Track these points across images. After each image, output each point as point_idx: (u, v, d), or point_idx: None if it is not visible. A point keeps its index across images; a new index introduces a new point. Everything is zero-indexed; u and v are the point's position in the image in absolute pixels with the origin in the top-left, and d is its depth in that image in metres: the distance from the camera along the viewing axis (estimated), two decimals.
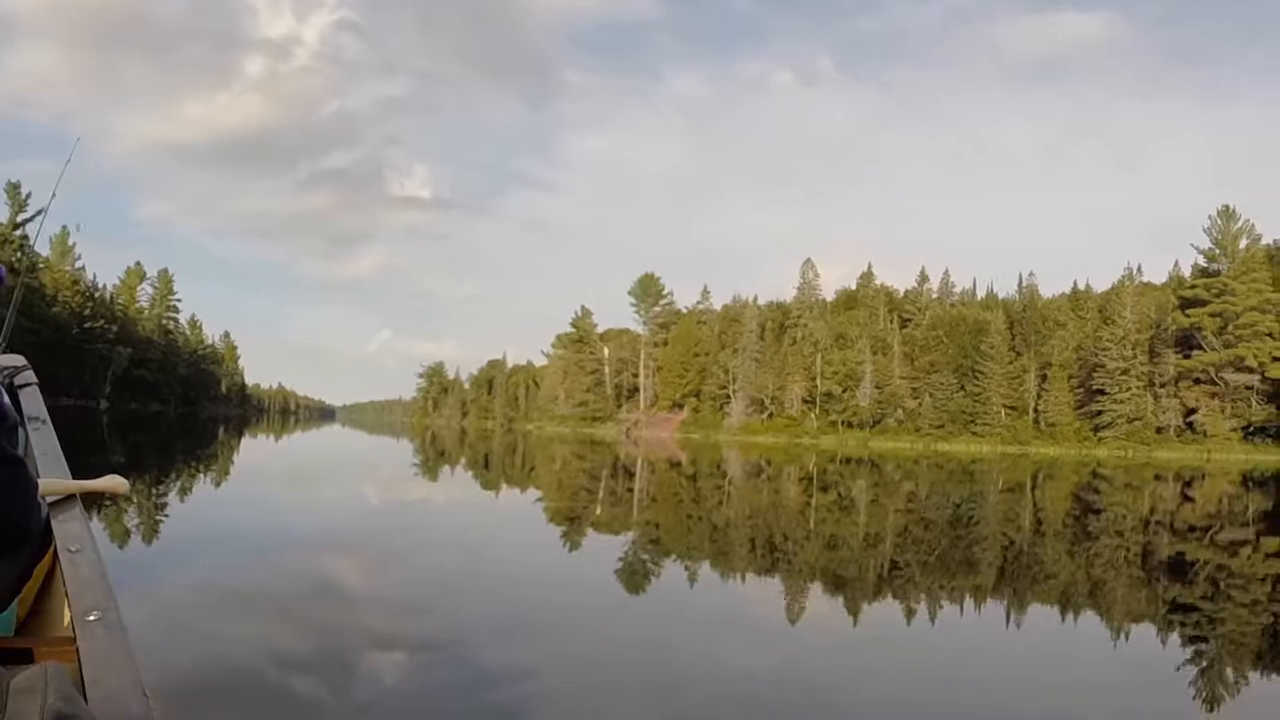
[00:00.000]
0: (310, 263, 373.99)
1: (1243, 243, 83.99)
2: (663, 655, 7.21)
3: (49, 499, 2.42)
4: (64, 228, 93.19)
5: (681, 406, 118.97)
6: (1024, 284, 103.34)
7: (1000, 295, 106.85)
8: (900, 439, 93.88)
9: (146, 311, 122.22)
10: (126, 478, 2.98)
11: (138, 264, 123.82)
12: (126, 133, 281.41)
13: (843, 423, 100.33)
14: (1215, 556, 14.87)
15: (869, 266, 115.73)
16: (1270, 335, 78.22)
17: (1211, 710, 6.28)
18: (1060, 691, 6.60)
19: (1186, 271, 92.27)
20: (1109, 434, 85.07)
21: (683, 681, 6.42)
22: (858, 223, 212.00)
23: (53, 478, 2.64)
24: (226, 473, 24.94)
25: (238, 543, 11.57)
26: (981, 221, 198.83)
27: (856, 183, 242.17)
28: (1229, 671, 7.28)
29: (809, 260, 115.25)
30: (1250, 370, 78.39)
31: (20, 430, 2.77)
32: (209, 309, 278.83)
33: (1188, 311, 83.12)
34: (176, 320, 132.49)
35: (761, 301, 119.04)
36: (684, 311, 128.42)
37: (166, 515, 13.52)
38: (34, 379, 3.57)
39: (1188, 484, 37.63)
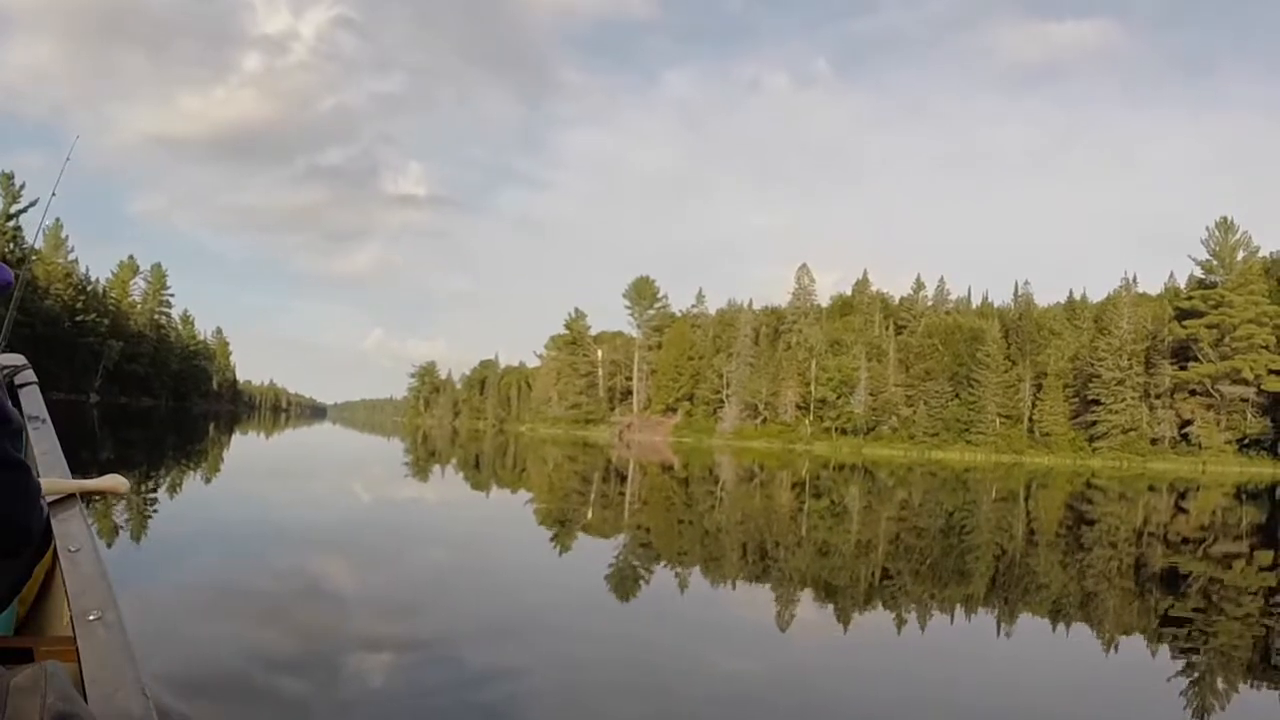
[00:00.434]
0: (304, 259, 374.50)
1: (1240, 255, 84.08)
2: (651, 658, 7.16)
3: (49, 499, 2.38)
4: (58, 220, 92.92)
5: (675, 410, 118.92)
6: (1019, 292, 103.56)
7: (995, 303, 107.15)
8: (894, 446, 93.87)
9: (139, 306, 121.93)
10: (121, 474, 2.93)
11: (131, 258, 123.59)
12: (122, 127, 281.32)
13: (837, 429, 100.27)
14: (1208, 569, 14.79)
15: (864, 273, 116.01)
16: (1266, 348, 78.34)
17: (1202, 715, 6.30)
18: (1051, 702, 6.54)
19: (1182, 282, 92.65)
20: (1104, 444, 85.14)
21: (671, 685, 6.38)
22: (852, 227, 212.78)
23: (53, 477, 2.61)
24: (218, 470, 24.81)
25: (229, 543, 11.49)
26: (976, 228, 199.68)
27: (851, 186, 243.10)
28: (1220, 683, 7.24)
29: (804, 265, 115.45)
30: (1246, 383, 78.50)
31: (24, 432, 2.75)
32: (201, 304, 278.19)
33: (1184, 323, 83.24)
34: (169, 315, 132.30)
35: (756, 306, 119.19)
36: (678, 315, 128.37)
37: (159, 514, 13.36)
38: (34, 378, 3.56)
39: (1182, 496, 37.56)
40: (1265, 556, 17.33)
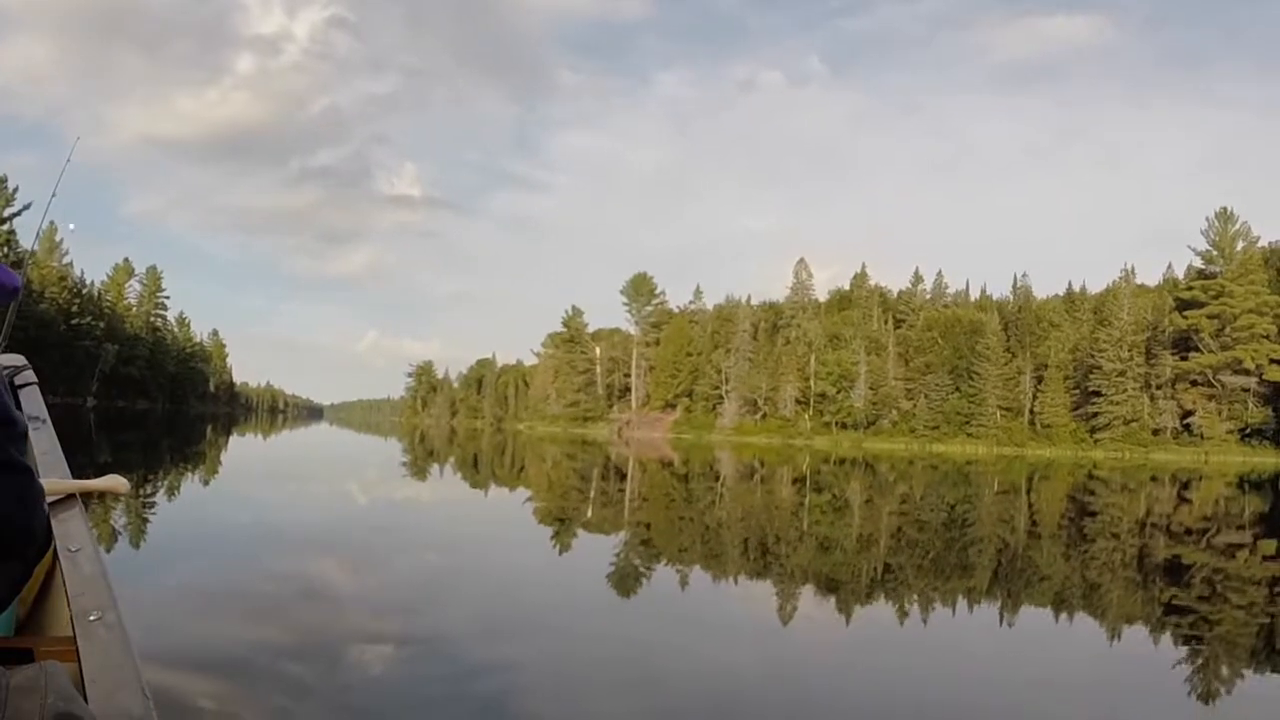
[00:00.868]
0: (299, 260, 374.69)
1: (1239, 245, 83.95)
2: (652, 654, 7.13)
3: (49, 499, 2.35)
4: (52, 223, 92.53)
5: (674, 407, 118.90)
6: (1018, 285, 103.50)
7: (994, 296, 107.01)
8: (895, 440, 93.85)
9: (134, 308, 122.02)
10: (118, 474, 2.93)
11: (126, 260, 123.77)
12: (115, 127, 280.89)
13: (837, 424, 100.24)
14: (1211, 559, 14.73)
15: (862, 267, 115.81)
16: (1267, 337, 78.25)
17: (1207, 704, 6.24)
18: (1056, 693, 6.46)
19: (1180, 273, 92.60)
20: (1105, 436, 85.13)
21: (671, 680, 6.36)
22: (848, 223, 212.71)
23: (53, 478, 2.61)
24: (216, 472, 24.74)
25: (227, 544, 11.44)
26: (973, 222, 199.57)
27: (846, 183, 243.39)
28: (1225, 671, 7.22)
29: (802, 260, 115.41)
30: (1247, 373, 78.44)
31: (29, 435, 2.67)
32: (197, 306, 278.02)
33: (1185, 313, 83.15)
34: (164, 317, 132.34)
35: (754, 302, 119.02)
36: (676, 311, 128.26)
37: (157, 516, 13.31)
38: (34, 379, 3.54)
39: (1184, 486, 37.48)
40: (1269, 546, 17.25)
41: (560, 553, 12.91)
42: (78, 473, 2.77)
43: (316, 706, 5.29)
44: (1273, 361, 77.78)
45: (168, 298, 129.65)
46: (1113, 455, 78.20)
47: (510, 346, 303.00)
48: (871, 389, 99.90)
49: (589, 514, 18.48)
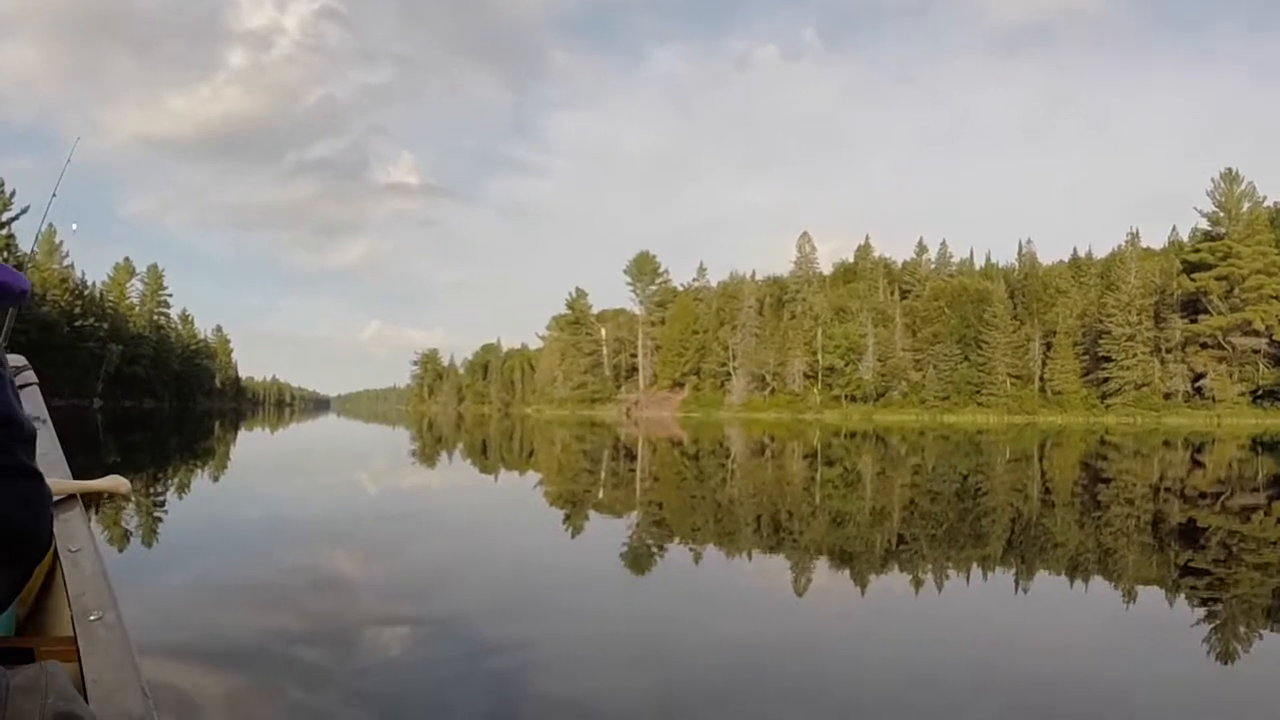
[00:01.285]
0: (299, 254, 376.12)
1: (1245, 206, 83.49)
2: (667, 630, 7.14)
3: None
4: (52, 226, 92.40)
5: (682, 385, 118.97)
6: (1023, 252, 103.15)
7: (999, 264, 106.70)
8: (905, 411, 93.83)
9: (137, 308, 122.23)
10: (124, 476, 2.93)
11: (127, 260, 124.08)
12: (110, 129, 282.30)
13: (846, 397, 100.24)
14: (1226, 522, 14.66)
15: (866, 239, 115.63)
16: (1277, 298, 77.87)
17: (1225, 664, 6.26)
18: (1073, 657, 6.43)
19: (1185, 236, 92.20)
20: (1116, 401, 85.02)
21: (687, 654, 6.39)
22: (849, 196, 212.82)
23: (53, 478, 2.49)
24: (224, 467, 24.75)
25: (239, 538, 11.44)
26: (974, 191, 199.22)
27: (846, 156, 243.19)
28: (1242, 630, 7.22)
29: (805, 234, 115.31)
30: (1258, 334, 78.19)
31: (37, 439, 2.64)
32: (198, 303, 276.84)
33: (1193, 276, 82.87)
34: (168, 315, 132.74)
35: (758, 277, 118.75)
36: (680, 289, 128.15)
37: (167, 512, 13.33)
38: (34, 379, 3.54)
39: (1197, 450, 37.35)
40: None
41: (573, 534, 12.89)
42: (85, 474, 2.78)
43: (326, 699, 5.24)
44: None
45: (170, 296, 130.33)
46: (1124, 420, 78.11)
47: (514, 331, 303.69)
48: (880, 361, 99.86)
49: (600, 495, 18.47)
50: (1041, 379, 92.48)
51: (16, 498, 1.87)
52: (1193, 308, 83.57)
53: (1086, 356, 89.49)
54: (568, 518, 14.78)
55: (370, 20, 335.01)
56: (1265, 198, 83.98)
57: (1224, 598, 8.57)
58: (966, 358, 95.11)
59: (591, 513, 15.51)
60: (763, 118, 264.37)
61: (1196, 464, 29.43)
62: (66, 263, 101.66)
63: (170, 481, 18.41)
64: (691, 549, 11.39)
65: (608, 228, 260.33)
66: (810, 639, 7.11)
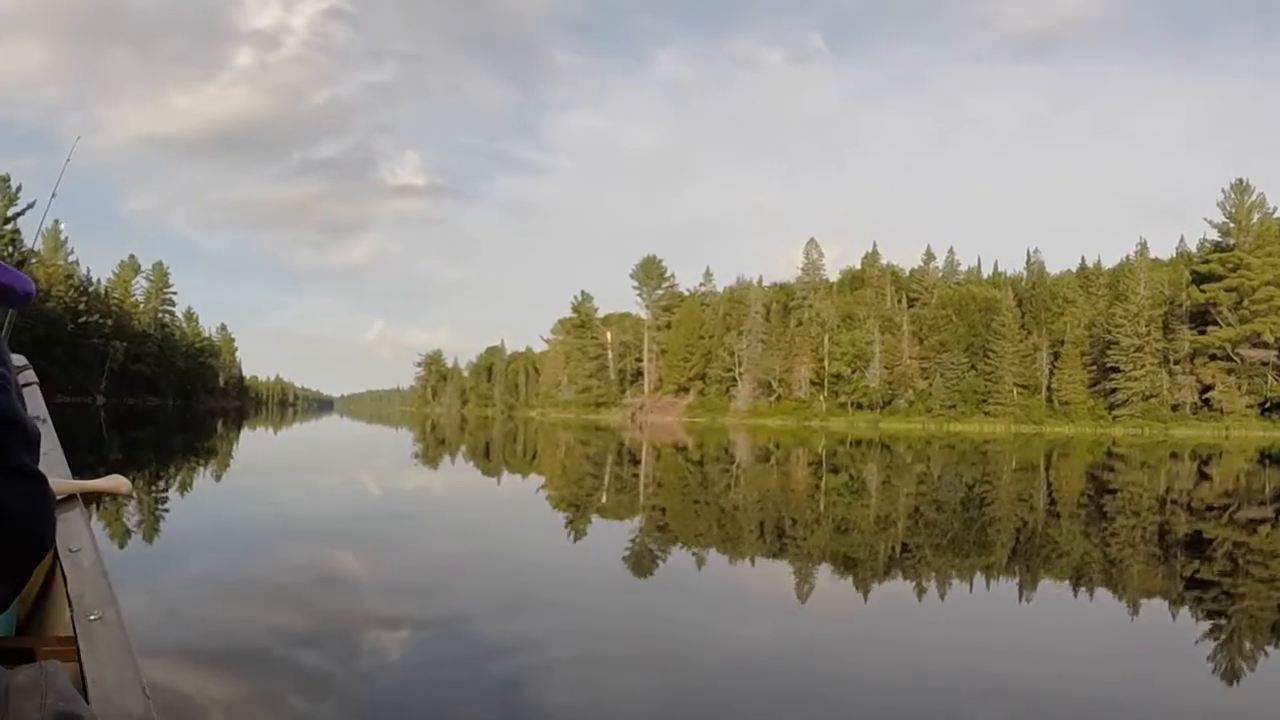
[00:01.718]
0: (304, 253, 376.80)
1: (1255, 217, 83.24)
2: (670, 636, 7.10)
3: None
4: (56, 222, 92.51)
5: (687, 390, 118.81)
6: (1031, 260, 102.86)
7: (1007, 272, 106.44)
8: (911, 420, 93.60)
9: (142, 305, 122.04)
10: (127, 474, 3.00)
11: (132, 257, 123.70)
12: (115, 126, 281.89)
13: (852, 404, 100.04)
14: (1233, 534, 14.60)
15: (874, 246, 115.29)
16: None
17: (1231, 680, 6.18)
18: (1077, 668, 6.37)
19: (1193, 246, 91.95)
20: (1124, 412, 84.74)
21: (691, 661, 6.36)
22: (855, 200, 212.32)
23: (53, 478, 2.45)
24: (228, 466, 24.73)
25: (242, 537, 11.42)
26: (983, 198, 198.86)
27: (851, 160, 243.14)
28: (1248, 645, 7.13)
29: (813, 240, 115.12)
30: (1267, 346, 77.88)
31: (41, 442, 2.62)
32: (202, 302, 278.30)
33: (1203, 287, 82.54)
34: (173, 313, 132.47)
35: (766, 283, 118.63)
36: (687, 294, 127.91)
37: (171, 511, 13.28)
38: (35, 379, 3.53)
39: (1205, 462, 37.19)
40: None
41: (575, 539, 12.83)
42: (87, 471, 2.80)
43: (327, 699, 5.24)
44: None
45: (175, 293, 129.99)
46: (1132, 432, 77.86)
47: (518, 333, 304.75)
48: (886, 368, 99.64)
49: (603, 499, 18.41)
50: (1049, 389, 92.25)
51: (20, 500, 1.86)
52: (1201, 319, 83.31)
53: (1094, 367, 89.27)
54: (570, 522, 14.72)
55: (375, 19, 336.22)
56: (1275, 209, 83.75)
57: (1230, 610, 8.51)
58: (973, 366, 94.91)
59: (594, 517, 15.46)
60: (768, 120, 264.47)
61: (1204, 476, 29.29)
62: (71, 259, 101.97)
63: (173, 480, 18.39)
64: (695, 555, 11.34)
65: (612, 228, 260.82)
66: (813, 647, 7.05)
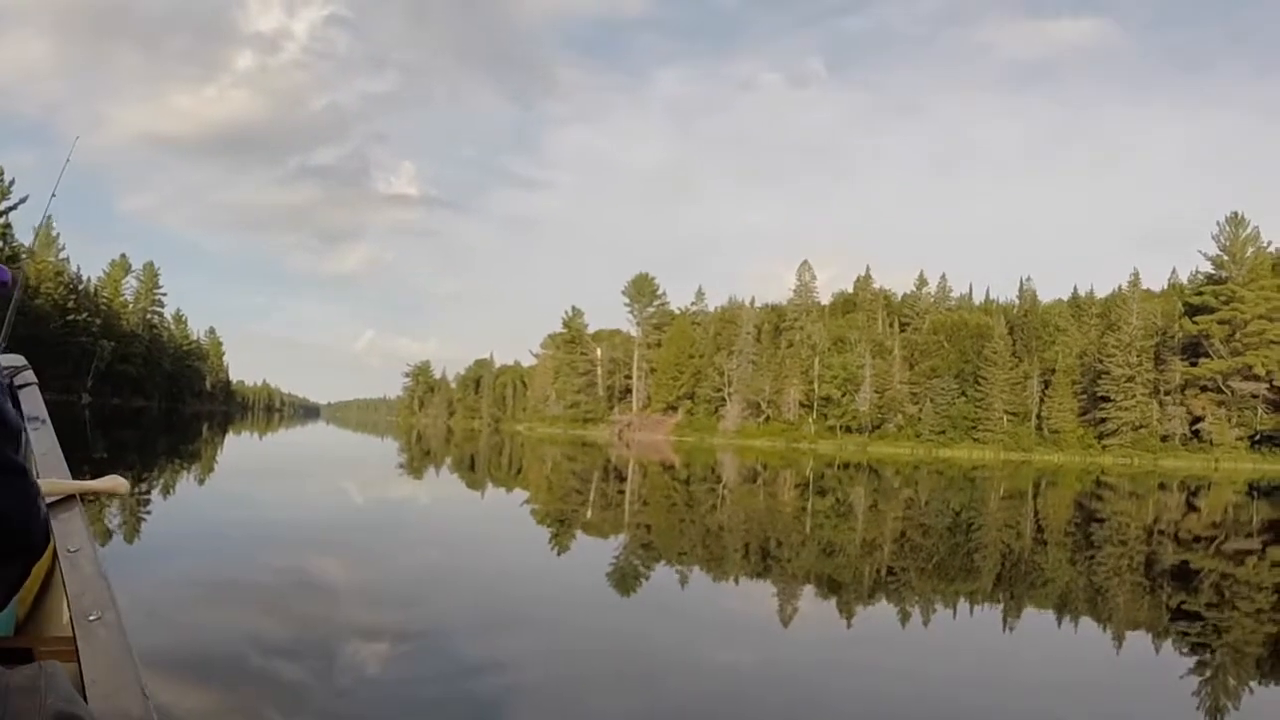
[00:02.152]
0: (297, 258, 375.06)
1: (1249, 250, 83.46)
2: (652, 658, 7.05)
3: (49, 499, 2.33)
4: (48, 218, 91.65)
5: (675, 409, 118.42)
6: (1023, 288, 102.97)
7: (998, 300, 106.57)
8: (900, 444, 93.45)
9: (131, 305, 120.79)
10: (118, 475, 2.88)
11: (123, 256, 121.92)
12: (112, 125, 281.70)
13: (841, 427, 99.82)
14: (1220, 565, 14.57)
15: (866, 270, 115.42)
16: (1278, 343, 77.66)
17: (1216, 715, 6.13)
18: (1061, 700, 6.32)
19: (1185, 277, 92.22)
20: (1114, 441, 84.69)
21: (672, 683, 6.34)
22: (848, 224, 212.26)
23: (53, 478, 2.61)
24: (212, 471, 24.63)
25: (221, 544, 11.32)
26: (976, 225, 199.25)
27: (847, 184, 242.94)
28: (1233, 681, 7.05)
29: (805, 262, 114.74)
30: (1258, 378, 77.90)
31: (23, 435, 2.60)
32: (193, 304, 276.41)
33: (1195, 318, 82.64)
34: (161, 315, 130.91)
35: (758, 304, 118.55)
36: (678, 313, 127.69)
37: (151, 515, 13.11)
38: (34, 379, 3.54)
39: (1193, 493, 37.14)
40: (1278, 552, 17.00)
41: (559, 555, 12.75)
42: (74, 472, 2.76)
43: (315, 702, 5.25)
44: None
45: (165, 295, 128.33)
46: (1121, 461, 77.84)
47: (508, 346, 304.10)
48: (877, 393, 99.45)
49: (588, 516, 18.28)
50: (1039, 417, 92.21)
51: (4, 493, 1.91)
52: (1193, 350, 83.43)
53: (1084, 396, 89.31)
54: (554, 539, 14.63)
55: (378, 28, 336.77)
56: (1270, 243, 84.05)
57: (1216, 644, 8.41)
58: (964, 393, 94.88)
59: (579, 534, 15.37)
60: (766, 142, 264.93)
61: (1192, 507, 29.24)
62: (62, 256, 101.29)
63: (156, 483, 18.20)
64: (679, 575, 11.25)
65: (607, 245, 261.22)
66: (795, 671, 6.96)
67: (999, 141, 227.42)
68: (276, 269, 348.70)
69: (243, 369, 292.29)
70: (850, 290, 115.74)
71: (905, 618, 8.96)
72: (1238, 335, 79.49)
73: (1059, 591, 11.17)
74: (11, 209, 79.03)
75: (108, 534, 10.64)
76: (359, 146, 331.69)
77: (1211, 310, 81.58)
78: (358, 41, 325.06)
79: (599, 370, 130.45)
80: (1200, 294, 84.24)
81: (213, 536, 11.78)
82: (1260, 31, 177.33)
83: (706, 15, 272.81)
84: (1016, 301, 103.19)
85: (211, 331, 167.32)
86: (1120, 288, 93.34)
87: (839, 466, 49.60)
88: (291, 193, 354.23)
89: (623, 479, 31.65)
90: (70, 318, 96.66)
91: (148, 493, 16.08)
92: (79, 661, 1.66)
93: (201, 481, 20.77)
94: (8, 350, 3.81)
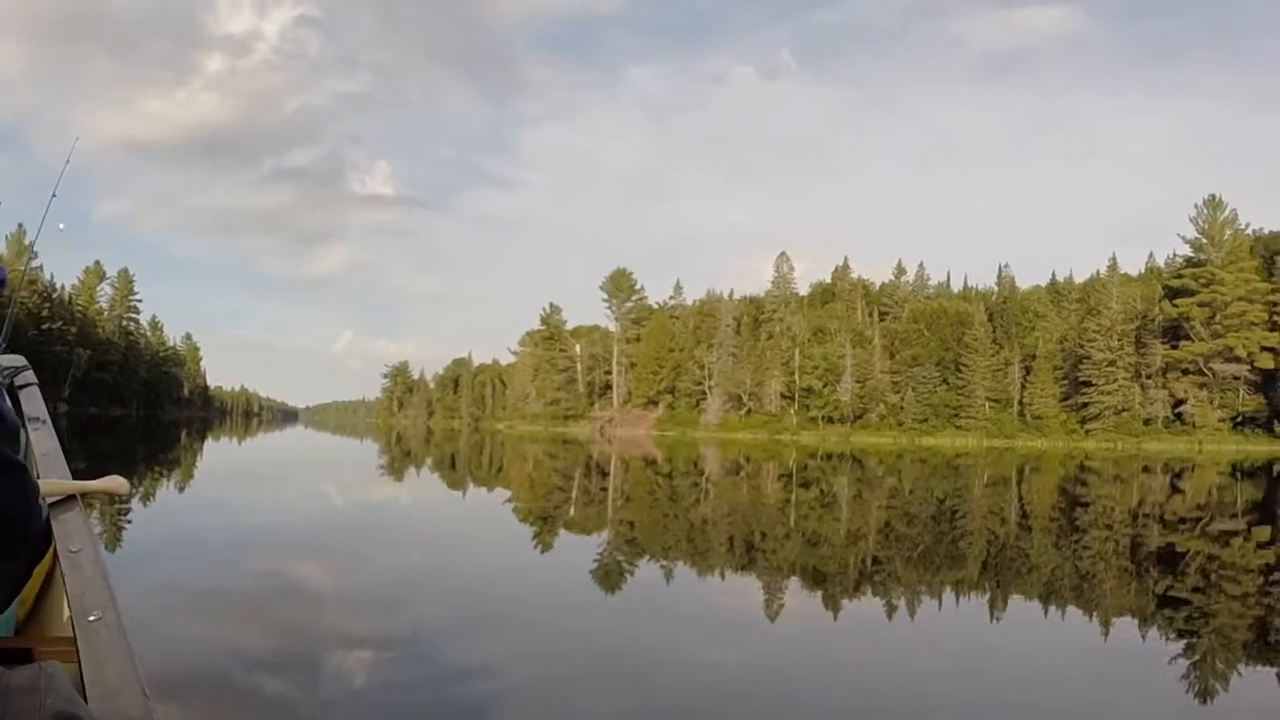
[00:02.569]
0: (272, 261, 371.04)
1: (1228, 232, 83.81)
2: (637, 652, 7.06)
3: (49, 499, 2.37)
4: (20, 226, 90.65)
5: (656, 404, 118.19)
6: (1002, 275, 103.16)
7: (977, 287, 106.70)
8: (883, 434, 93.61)
9: (106, 312, 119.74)
10: (118, 475, 2.90)
11: (97, 263, 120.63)
12: (85, 131, 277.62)
13: (823, 418, 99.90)
14: (1205, 547, 14.56)
15: (845, 260, 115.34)
16: (1258, 325, 78.09)
17: (1205, 703, 6.03)
18: (1049, 687, 6.28)
19: (1162, 262, 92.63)
20: (1096, 426, 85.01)
21: (658, 677, 6.34)
22: (825, 217, 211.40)
23: (53, 478, 2.62)
24: (191, 478, 24.48)
25: (203, 550, 11.26)
26: (953, 214, 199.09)
27: (823, 177, 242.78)
28: (1220, 664, 7.01)
29: (783, 254, 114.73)
30: (1239, 360, 78.28)
31: (21, 433, 2.73)
32: (168, 308, 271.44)
33: (1175, 301, 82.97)
34: (137, 321, 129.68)
35: (735, 296, 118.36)
36: (656, 307, 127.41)
37: (133, 524, 12.95)
38: (34, 379, 3.57)
39: (1177, 475, 37.27)
40: (1263, 533, 17.10)
41: (542, 552, 12.68)
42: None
43: (309, 701, 5.28)
44: (1264, 349, 77.61)
45: (140, 301, 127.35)
46: (1104, 445, 78.16)
47: (487, 346, 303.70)
48: (858, 382, 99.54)
49: (571, 513, 18.24)
50: (1021, 403, 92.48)
51: (2, 491, 1.96)
52: (1174, 333, 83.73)
53: (1066, 381, 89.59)
54: (538, 536, 14.55)
55: (349, 29, 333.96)
56: (1248, 225, 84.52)
57: (1202, 628, 8.35)
58: (945, 380, 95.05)
59: (562, 531, 15.30)
60: (741, 137, 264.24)
61: (1176, 490, 29.34)
62: (35, 264, 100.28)
63: (136, 491, 17.97)
64: (663, 569, 11.17)
65: (584, 243, 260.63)
66: (780, 663, 6.89)
67: (975, 132, 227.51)
68: (253, 272, 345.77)
69: (220, 374, 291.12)
70: (828, 280, 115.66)
71: (891, 609, 8.90)
72: (1218, 317, 79.85)
73: (1045, 578, 11.11)
74: None
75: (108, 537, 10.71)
76: (333, 148, 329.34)
77: (1191, 293, 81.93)
78: (329, 42, 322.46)
79: (579, 367, 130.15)
80: (1180, 277, 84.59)
81: (194, 543, 11.71)
82: (1232, 18, 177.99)
83: (678, 11, 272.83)
84: (995, 288, 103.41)
85: (188, 337, 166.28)
86: (1099, 272, 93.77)
87: (822, 457, 49.59)
88: (266, 195, 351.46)
89: (605, 475, 31.56)
90: (45, 326, 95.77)
91: (128, 501, 15.89)
92: (79, 661, 1.66)
93: (182, 489, 20.59)
94: (7, 350, 3.79)
